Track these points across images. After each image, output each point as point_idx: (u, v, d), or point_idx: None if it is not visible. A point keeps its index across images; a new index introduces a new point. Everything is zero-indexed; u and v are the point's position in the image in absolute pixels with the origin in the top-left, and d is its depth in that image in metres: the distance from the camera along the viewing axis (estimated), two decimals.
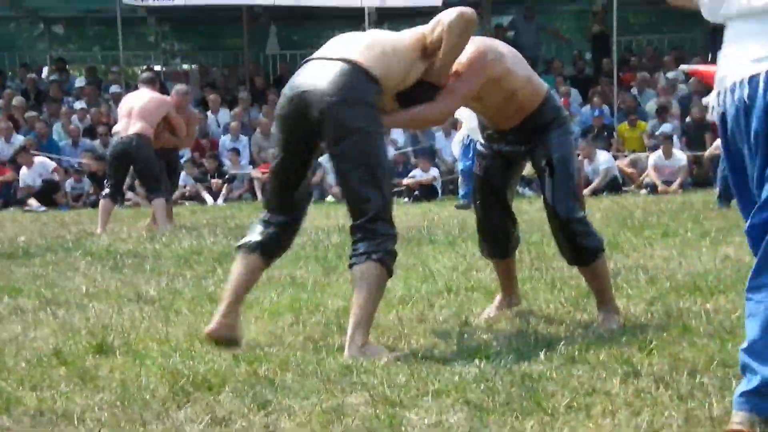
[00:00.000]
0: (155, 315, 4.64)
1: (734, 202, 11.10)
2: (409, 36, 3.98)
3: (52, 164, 14.93)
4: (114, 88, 17.66)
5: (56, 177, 14.82)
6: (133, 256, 7.08)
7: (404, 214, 11.24)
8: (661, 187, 13.90)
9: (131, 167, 9.46)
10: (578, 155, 3.57)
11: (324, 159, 14.81)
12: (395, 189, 14.81)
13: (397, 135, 15.92)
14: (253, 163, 15.80)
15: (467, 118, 12.14)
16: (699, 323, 3.99)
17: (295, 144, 3.83)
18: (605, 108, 16.09)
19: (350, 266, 3.69)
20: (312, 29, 21.39)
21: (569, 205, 4.11)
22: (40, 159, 14.90)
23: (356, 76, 3.68)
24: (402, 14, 18.02)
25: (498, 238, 4.43)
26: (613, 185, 14.16)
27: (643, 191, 14.02)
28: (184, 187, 14.55)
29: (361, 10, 16.27)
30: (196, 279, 5.86)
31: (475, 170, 4.47)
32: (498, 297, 4.57)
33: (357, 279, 3.62)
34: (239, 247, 3.94)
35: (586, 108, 16.57)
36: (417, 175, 14.50)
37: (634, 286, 5.02)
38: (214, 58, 20.88)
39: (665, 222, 8.71)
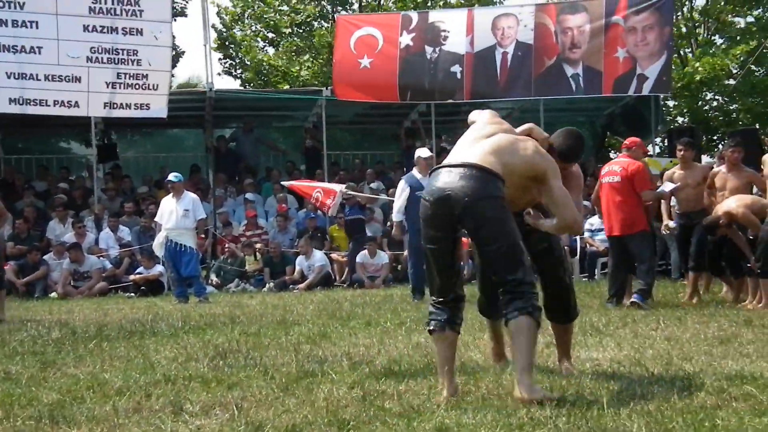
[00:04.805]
0: None
1: (429, 295, 11.46)
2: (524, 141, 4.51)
3: None
4: None
5: None
6: None
7: (129, 308, 10.81)
8: (367, 282, 14.32)
9: None
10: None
11: (48, 257, 14.20)
12: (122, 284, 14.34)
13: (124, 234, 15.44)
14: None
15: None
16: (392, 404, 4.08)
17: (443, 234, 4.23)
18: (319, 212, 16.45)
19: (507, 321, 4.11)
20: (39, 136, 20.47)
21: (566, 277, 4.90)
22: None
23: (485, 178, 4.19)
24: (126, 123, 17.81)
25: (491, 300, 4.85)
26: (326, 281, 14.43)
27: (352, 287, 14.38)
28: None
29: (88, 118, 15.81)
30: None
31: None
32: (492, 346, 5.28)
33: (516, 331, 4.05)
34: (431, 330, 4.31)
35: (302, 211, 16.89)
36: (143, 271, 14.07)
37: (338, 372, 5.06)
38: None
39: (369, 313, 8.94)
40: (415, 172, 11.32)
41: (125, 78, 14.56)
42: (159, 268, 13.94)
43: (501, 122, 4.68)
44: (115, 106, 14.66)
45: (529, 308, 4.06)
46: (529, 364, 4.02)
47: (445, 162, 4.39)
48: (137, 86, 14.60)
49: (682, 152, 9.86)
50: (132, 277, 14.16)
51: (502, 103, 18.29)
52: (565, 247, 5.24)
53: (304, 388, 4.61)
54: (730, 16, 24.70)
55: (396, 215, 11.29)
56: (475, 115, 4.83)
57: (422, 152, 11.47)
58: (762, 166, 9.26)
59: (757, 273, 8.82)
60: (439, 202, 4.21)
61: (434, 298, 4.37)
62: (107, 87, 14.49)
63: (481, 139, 4.44)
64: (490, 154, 4.29)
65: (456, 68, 15.88)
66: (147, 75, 14.62)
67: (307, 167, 18.76)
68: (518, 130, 4.72)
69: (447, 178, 4.23)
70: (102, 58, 14.45)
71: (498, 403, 4.04)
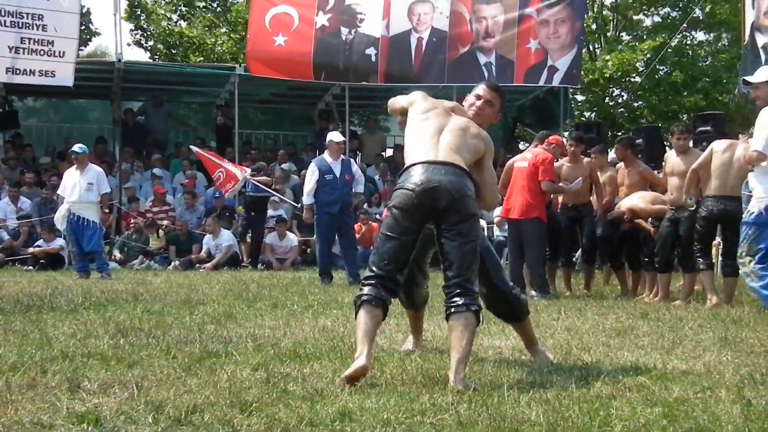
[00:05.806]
0: None
1: (337, 279, 11.50)
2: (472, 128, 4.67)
3: None
4: None
5: None
6: None
7: (27, 281, 10.49)
8: (276, 264, 14.24)
9: None
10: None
11: None
12: (21, 257, 13.90)
13: (25, 205, 14.96)
14: None
15: None
16: (296, 386, 4.07)
17: (416, 228, 4.36)
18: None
19: (450, 315, 4.24)
20: None
21: (506, 280, 4.97)
22: None
23: (464, 176, 4.40)
24: (29, 90, 17.23)
25: (406, 295, 5.09)
26: (234, 261, 14.29)
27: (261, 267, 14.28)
28: None
29: None
30: None
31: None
32: (411, 337, 5.37)
33: (460, 324, 4.19)
34: (367, 301, 4.29)
35: (211, 189, 16.66)
36: (43, 244, 13.68)
37: (242, 353, 5.02)
38: None
39: (276, 295, 8.90)
40: (326, 155, 11.30)
41: (29, 43, 14.07)
42: (60, 242, 13.58)
43: (435, 103, 4.82)
44: (17, 71, 14.17)
45: (474, 306, 4.27)
46: (466, 358, 4.18)
47: (421, 158, 4.44)
48: (42, 52, 14.13)
49: (572, 147, 10.13)
50: (31, 249, 13.78)
51: (415, 89, 18.31)
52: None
53: (207, 368, 4.55)
54: (642, 14, 25.38)
55: (306, 198, 11.24)
56: (404, 101, 4.95)
57: (334, 136, 11.44)
58: (663, 163, 9.57)
59: (655, 268, 9.12)
60: (426, 192, 4.31)
61: (381, 279, 4.34)
62: (9, 51, 13.99)
63: (437, 134, 4.54)
64: (455, 152, 4.46)
65: (371, 51, 15.91)
66: (53, 41, 14.16)
67: (217, 145, 18.51)
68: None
69: (431, 173, 4.36)
70: (5, 21, 13.93)
71: (402, 388, 4.07)
